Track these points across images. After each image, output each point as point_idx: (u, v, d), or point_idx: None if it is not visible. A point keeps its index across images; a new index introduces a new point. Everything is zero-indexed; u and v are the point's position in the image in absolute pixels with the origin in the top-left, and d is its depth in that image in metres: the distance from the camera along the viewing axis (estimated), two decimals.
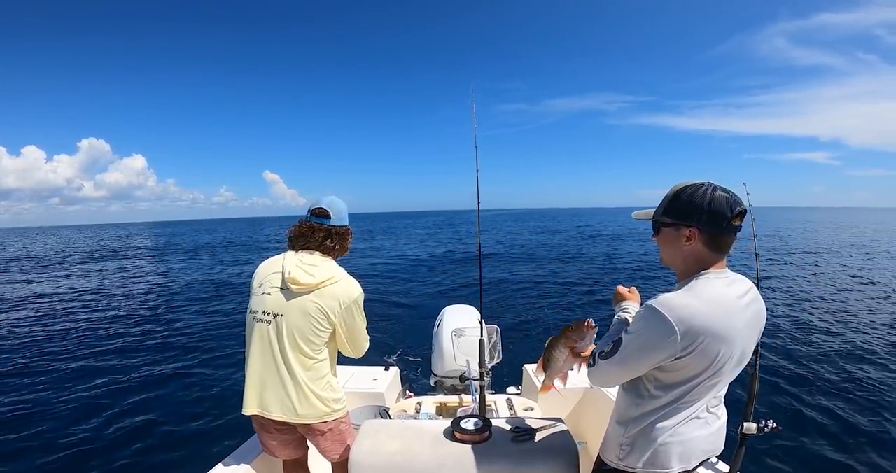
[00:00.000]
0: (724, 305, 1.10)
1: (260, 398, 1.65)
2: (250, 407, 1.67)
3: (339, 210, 1.75)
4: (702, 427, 1.21)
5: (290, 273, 1.60)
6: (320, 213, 1.72)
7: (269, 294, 1.64)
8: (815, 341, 6.47)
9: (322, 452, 1.80)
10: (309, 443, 1.86)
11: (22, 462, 3.93)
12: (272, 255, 1.76)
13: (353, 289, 1.69)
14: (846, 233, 31.90)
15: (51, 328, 9.00)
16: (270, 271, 1.67)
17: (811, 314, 8.13)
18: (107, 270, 18.91)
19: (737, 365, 1.18)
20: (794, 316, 7.92)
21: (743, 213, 1.12)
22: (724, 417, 1.28)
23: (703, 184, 1.15)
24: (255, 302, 1.66)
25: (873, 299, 9.49)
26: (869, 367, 5.46)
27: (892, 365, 5.52)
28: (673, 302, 1.08)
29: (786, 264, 15.32)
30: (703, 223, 1.12)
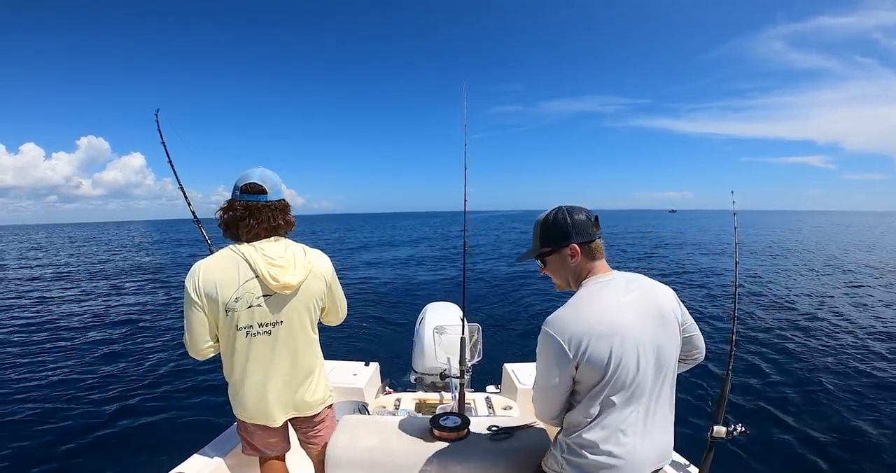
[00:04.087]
0: (600, 304, 1.18)
1: (267, 407, 1.57)
2: (255, 418, 1.60)
3: (275, 182, 1.54)
4: (637, 439, 1.17)
5: (276, 279, 1.44)
6: (255, 190, 1.49)
7: (259, 305, 1.47)
8: (789, 345, 6.65)
9: (316, 442, 1.75)
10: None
11: None
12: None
13: (326, 262, 1.62)
14: (838, 237, 32.79)
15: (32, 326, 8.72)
16: (241, 279, 1.45)
17: (788, 317, 8.31)
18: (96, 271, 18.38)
19: (657, 369, 1.17)
20: (770, 319, 8.09)
21: (596, 219, 1.28)
22: (666, 434, 1.25)
23: (556, 209, 1.30)
24: (243, 318, 1.47)
25: (853, 302, 9.79)
26: (842, 372, 5.64)
27: (865, 368, 5.72)
28: (554, 318, 1.18)
29: (770, 267, 15.69)
30: (576, 237, 1.25)
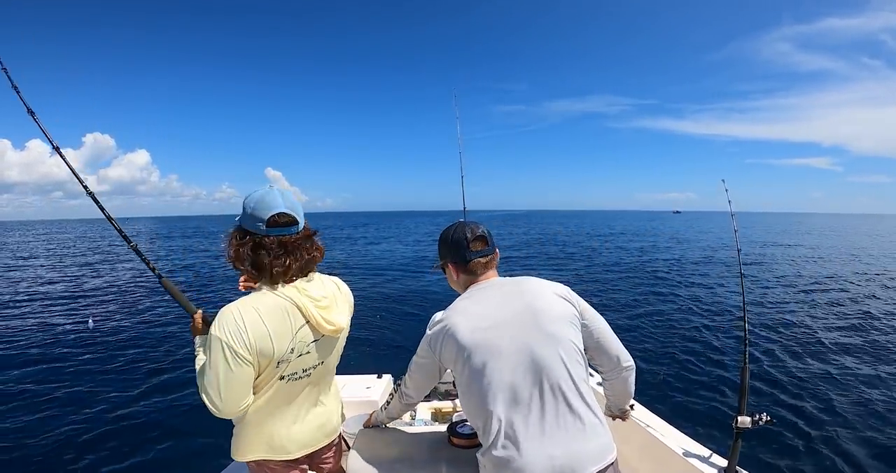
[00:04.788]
0: (462, 308, 1.26)
1: (299, 439, 1.48)
2: (286, 451, 1.47)
3: (299, 206, 1.35)
4: (525, 443, 1.11)
5: (331, 323, 1.34)
6: (286, 221, 1.29)
7: (308, 352, 1.35)
8: (808, 336, 6.59)
9: (331, 461, 1.69)
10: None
11: None
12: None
13: (349, 292, 1.53)
14: (843, 237, 32.64)
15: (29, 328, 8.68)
16: (294, 327, 1.29)
17: (802, 310, 8.27)
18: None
19: (533, 371, 1.13)
20: (786, 312, 8.03)
21: (481, 237, 1.32)
22: (572, 442, 1.11)
23: (452, 225, 1.38)
24: (290, 367, 1.33)
25: (865, 295, 9.74)
26: (865, 359, 5.58)
27: (885, 357, 5.66)
28: (432, 319, 1.32)
29: (779, 263, 15.62)
30: (451, 257, 1.34)
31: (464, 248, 1.31)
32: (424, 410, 2.87)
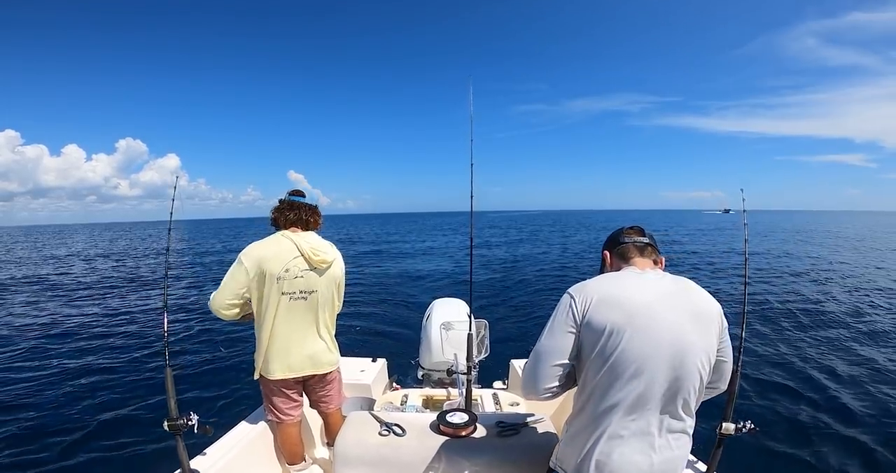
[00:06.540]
0: (621, 279, 1.21)
1: (291, 363, 1.99)
2: (280, 372, 1.98)
3: (310, 193, 2.18)
4: (638, 450, 1.10)
5: (316, 255, 1.96)
6: (297, 194, 2.14)
7: (302, 276, 1.95)
8: (800, 342, 6.58)
9: (328, 401, 2.20)
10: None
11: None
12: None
13: (340, 257, 2.16)
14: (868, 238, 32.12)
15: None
16: (290, 256, 1.94)
17: (800, 314, 8.24)
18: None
19: (671, 363, 1.09)
20: (783, 316, 8.01)
21: (639, 229, 1.35)
22: (680, 450, 1.16)
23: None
24: (289, 286, 1.93)
25: (867, 300, 9.67)
26: (854, 369, 5.58)
27: (878, 359, 5.65)
28: (576, 284, 1.24)
29: (790, 269, 15.50)
30: (607, 246, 1.38)
31: (619, 234, 1.35)
32: (416, 397, 2.91)
